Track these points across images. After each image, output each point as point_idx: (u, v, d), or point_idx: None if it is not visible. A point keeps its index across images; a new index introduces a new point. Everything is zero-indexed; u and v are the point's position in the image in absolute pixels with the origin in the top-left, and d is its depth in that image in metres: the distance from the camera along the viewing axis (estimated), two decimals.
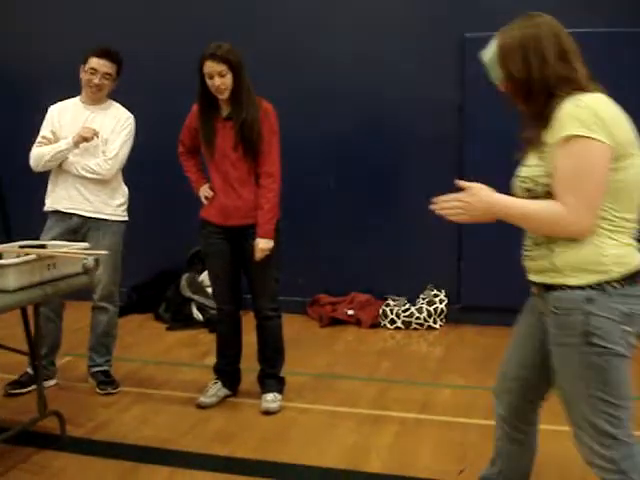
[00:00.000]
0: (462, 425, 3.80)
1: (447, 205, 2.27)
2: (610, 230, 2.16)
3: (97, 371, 4.30)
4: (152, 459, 3.44)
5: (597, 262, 2.14)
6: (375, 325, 5.60)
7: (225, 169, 3.86)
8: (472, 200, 2.24)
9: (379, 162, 5.67)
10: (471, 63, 5.21)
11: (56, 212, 4.10)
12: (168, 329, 5.64)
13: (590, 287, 2.14)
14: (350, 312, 5.64)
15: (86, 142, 3.98)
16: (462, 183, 2.27)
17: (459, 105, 5.42)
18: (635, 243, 2.23)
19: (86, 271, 3.30)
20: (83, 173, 4.03)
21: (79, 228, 4.10)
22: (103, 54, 4.01)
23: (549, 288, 2.24)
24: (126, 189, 4.27)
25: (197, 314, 5.69)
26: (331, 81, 5.65)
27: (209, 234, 3.97)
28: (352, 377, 4.54)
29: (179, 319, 5.71)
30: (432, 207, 2.27)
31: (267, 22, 5.73)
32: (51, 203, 4.13)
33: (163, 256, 6.01)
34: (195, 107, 3.90)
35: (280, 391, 4.07)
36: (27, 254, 3.18)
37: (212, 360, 4.21)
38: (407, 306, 5.59)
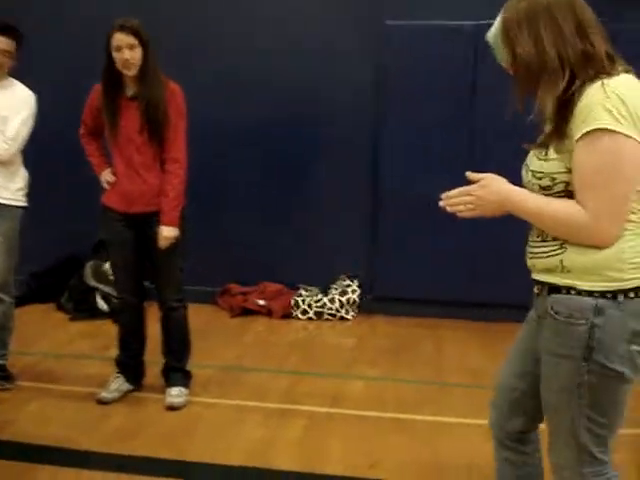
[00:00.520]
0: (372, 418, 3.74)
1: (457, 201, 2.02)
2: (634, 232, 1.89)
3: None
4: (50, 459, 3.25)
5: (614, 267, 1.87)
6: (287, 316, 5.48)
7: (129, 153, 3.67)
8: (484, 193, 1.99)
9: (292, 149, 5.55)
10: (390, 50, 5.22)
11: None
12: (71, 319, 5.39)
13: (602, 295, 1.88)
14: (261, 302, 5.51)
15: None
16: (473, 175, 2.02)
17: (379, 92, 5.33)
18: None
19: None
20: None
21: None
22: (0, 30, 3.76)
23: (553, 290, 1.97)
24: (26, 173, 4.00)
25: (102, 304, 5.46)
26: (250, 67, 5.48)
27: (111, 221, 3.78)
28: (261, 369, 4.43)
29: (82, 309, 5.46)
30: (441, 204, 2.03)
31: (187, 7, 5.53)
32: None
33: (67, 242, 5.73)
34: (98, 86, 3.70)
35: (186, 385, 3.92)
36: None
37: (115, 352, 4.02)
38: (319, 296, 5.51)
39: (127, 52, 3.52)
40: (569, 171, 1.89)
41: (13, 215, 3.89)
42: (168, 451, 3.34)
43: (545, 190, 1.94)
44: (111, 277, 5.19)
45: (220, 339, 4.97)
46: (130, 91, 3.65)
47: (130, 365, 3.97)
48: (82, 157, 3.94)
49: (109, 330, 5.06)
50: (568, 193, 1.91)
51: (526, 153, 2.07)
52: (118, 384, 3.92)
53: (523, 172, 2.05)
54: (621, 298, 1.87)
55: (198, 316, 5.23)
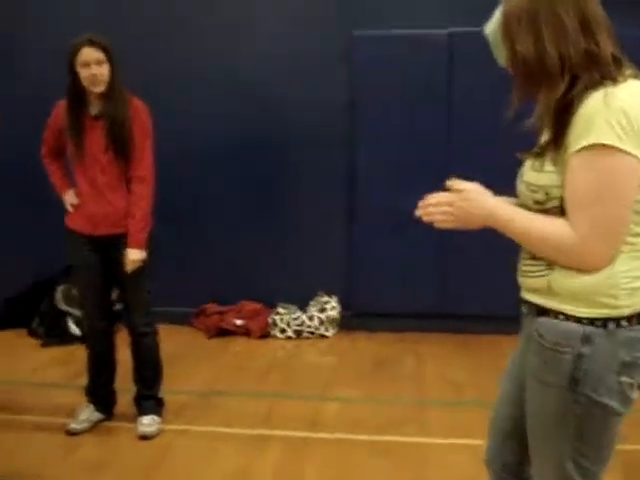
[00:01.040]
0: (352, 442, 3.62)
1: (435, 210, 1.86)
2: (629, 256, 1.73)
3: None
4: None
5: (605, 293, 1.72)
6: (265, 335, 5.35)
7: (93, 173, 3.55)
8: (466, 205, 1.83)
9: (266, 164, 5.43)
10: (360, 61, 5.12)
11: None
12: (42, 345, 5.23)
13: (591, 322, 1.73)
14: (239, 322, 5.37)
15: None
16: (456, 184, 1.86)
17: (349, 104, 5.23)
18: None
19: None
20: None
21: None
22: None
23: (541, 312, 1.83)
24: None
25: (74, 328, 5.30)
26: (218, 79, 5.37)
27: (76, 244, 3.65)
28: (237, 393, 4.28)
29: (54, 334, 5.30)
30: (417, 212, 1.88)
31: (154, 23, 5.41)
32: None
33: (38, 266, 5.58)
34: (61, 104, 3.58)
35: (158, 413, 3.78)
36: None
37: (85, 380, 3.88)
38: (297, 314, 5.38)
39: (95, 68, 3.42)
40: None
41: None
42: None
43: (538, 204, 1.79)
44: None
45: (196, 362, 4.82)
46: (94, 109, 3.53)
47: (100, 393, 3.84)
48: (47, 178, 3.81)
49: (81, 356, 4.87)
50: (563, 210, 1.75)
51: (516, 163, 1.92)
52: (88, 414, 3.79)
53: (517, 182, 1.90)
54: (612, 326, 1.73)
55: (174, 338, 5.13)
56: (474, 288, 5.09)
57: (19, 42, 5.38)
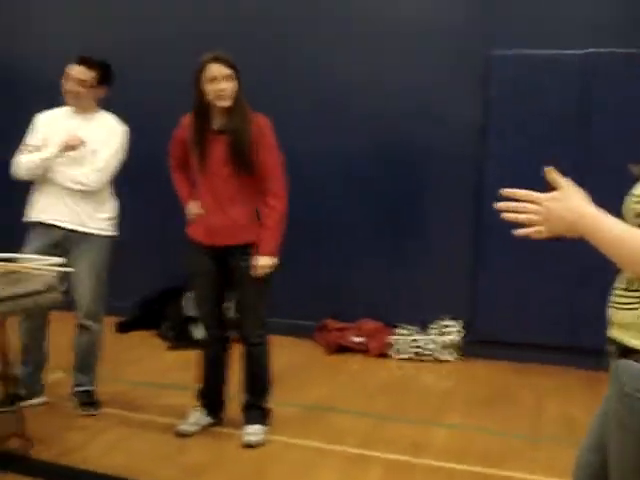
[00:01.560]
0: (453, 471, 3.52)
1: (519, 207, 1.66)
2: None
3: (80, 391, 4.11)
4: None
5: None
6: (383, 355, 5.32)
7: (215, 186, 3.67)
8: (557, 207, 1.61)
9: (394, 185, 5.42)
10: (495, 82, 5.03)
11: (38, 224, 3.93)
12: (169, 348, 5.45)
13: None
14: (358, 339, 5.37)
15: (72, 150, 3.82)
16: (554, 175, 1.64)
17: (481, 126, 5.14)
18: None
19: (48, 288, 3.11)
20: (69, 184, 3.86)
21: (61, 241, 3.92)
22: (79, 61, 3.88)
23: (625, 352, 1.66)
24: (115, 203, 4.08)
25: (198, 334, 5.47)
26: (346, 101, 5.43)
27: (195, 253, 3.77)
28: (347, 410, 4.27)
29: (181, 338, 5.51)
30: (498, 207, 1.68)
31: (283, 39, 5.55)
32: (33, 214, 3.97)
33: (168, 272, 5.81)
34: (186, 119, 3.72)
35: (264, 423, 3.83)
36: None
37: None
38: (417, 336, 5.31)
39: (224, 83, 3.53)
40: None
41: (101, 245, 3.96)
42: None
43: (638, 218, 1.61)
44: None
45: (311, 376, 4.87)
46: (217, 124, 3.64)
47: (210, 398, 3.94)
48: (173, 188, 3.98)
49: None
50: None
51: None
52: (197, 417, 3.89)
53: (625, 200, 1.72)
54: None
55: (295, 351, 5.23)
56: (602, 321, 4.83)
57: None
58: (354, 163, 5.46)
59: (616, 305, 1.72)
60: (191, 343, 5.45)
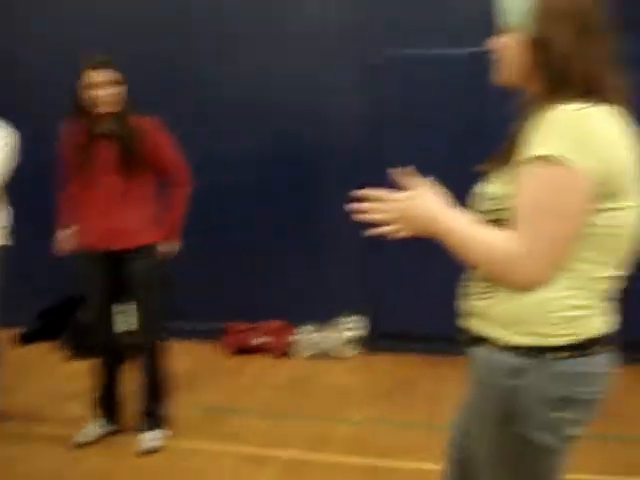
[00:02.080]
0: (347, 465, 3.58)
1: (373, 206, 1.71)
2: (573, 285, 1.59)
3: None
4: None
5: (542, 321, 1.59)
6: (286, 354, 5.35)
7: (103, 191, 3.63)
8: (409, 206, 1.67)
9: (285, 185, 5.44)
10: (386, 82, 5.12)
11: None
12: (70, 358, 5.35)
13: (526, 352, 1.60)
14: (260, 340, 5.39)
15: None
16: (403, 178, 1.68)
17: (373, 125, 5.23)
18: (602, 306, 1.67)
19: None
20: None
21: None
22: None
23: (476, 340, 1.71)
24: (9, 210, 3.98)
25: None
26: (233, 105, 5.46)
27: (88, 260, 3.74)
28: (247, 411, 4.28)
29: (81, 347, 5.40)
30: (350, 207, 1.71)
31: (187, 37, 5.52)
32: None
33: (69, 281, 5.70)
34: (69, 125, 3.67)
35: (162, 428, 3.82)
36: None
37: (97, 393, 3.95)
38: (320, 334, 5.36)
39: (108, 89, 3.51)
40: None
41: None
42: None
43: (495, 217, 1.65)
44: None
45: (213, 379, 4.85)
46: (102, 129, 3.60)
47: (108, 406, 3.90)
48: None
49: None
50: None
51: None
52: (95, 426, 3.85)
53: (475, 197, 1.76)
54: (548, 357, 1.59)
55: (196, 354, 5.20)
56: None
57: None
58: (245, 165, 5.44)
59: (470, 295, 1.76)
60: (90, 352, 5.38)
